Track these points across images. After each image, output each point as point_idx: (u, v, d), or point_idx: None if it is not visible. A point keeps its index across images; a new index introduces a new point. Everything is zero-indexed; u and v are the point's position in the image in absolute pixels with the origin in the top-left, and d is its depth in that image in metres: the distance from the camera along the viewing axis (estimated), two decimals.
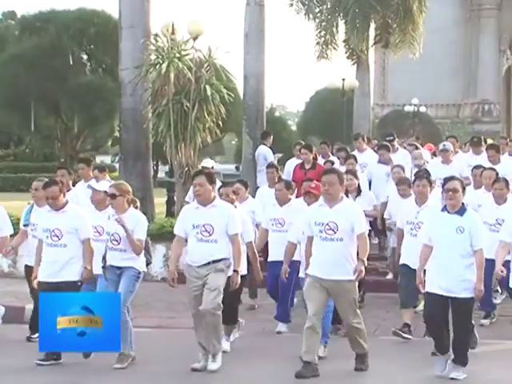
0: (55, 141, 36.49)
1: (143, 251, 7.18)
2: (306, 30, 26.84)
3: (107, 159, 54.58)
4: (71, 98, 31.91)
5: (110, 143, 45.34)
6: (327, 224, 6.87)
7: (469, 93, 53.46)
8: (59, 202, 7.09)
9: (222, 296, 6.82)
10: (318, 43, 25.67)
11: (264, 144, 14.57)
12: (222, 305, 6.80)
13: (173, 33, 14.24)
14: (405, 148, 13.73)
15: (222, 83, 14.34)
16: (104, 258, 7.13)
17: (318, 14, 25.81)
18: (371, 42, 25.65)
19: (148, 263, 7.57)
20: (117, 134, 28.61)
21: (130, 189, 7.37)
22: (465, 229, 6.66)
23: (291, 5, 25.95)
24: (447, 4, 50.05)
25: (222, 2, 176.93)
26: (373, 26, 25.07)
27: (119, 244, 7.01)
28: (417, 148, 12.96)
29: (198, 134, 13.66)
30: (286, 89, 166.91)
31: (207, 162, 12.76)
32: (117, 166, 28.00)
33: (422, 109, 45.79)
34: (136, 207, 7.34)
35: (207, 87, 13.38)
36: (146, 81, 13.82)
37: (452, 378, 6.61)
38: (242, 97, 18.41)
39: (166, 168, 31.25)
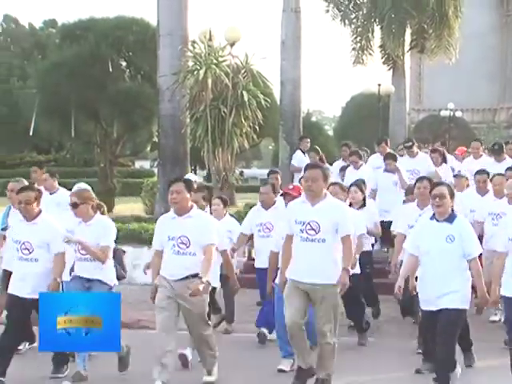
0: (95, 146, 36.75)
1: (113, 262, 6.85)
2: (342, 35, 26.72)
3: (146, 164, 55.09)
4: (110, 104, 32.06)
5: (148, 148, 45.60)
6: (309, 223, 6.28)
7: (505, 98, 52.87)
8: (31, 211, 6.57)
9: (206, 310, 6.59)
10: (353, 49, 25.52)
11: (300, 149, 14.46)
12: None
13: (210, 39, 14.36)
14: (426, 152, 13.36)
15: (259, 89, 14.43)
16: (72, 270, 6.79)
17: (354, 20, 25.67)
18: (407, 47, 25.43)
19: (121, 277, 7.09)
20: (155, 139, 28.78)
21: (93, 195, 7.02)
22: (455, 237, 6.06)
23: (327, 11, 25.84)
24: (483, 9, 49.55)
25: (258, 8, 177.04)
26: (408, 31, 24.86)
27: (87, 254, 6.64)
28: (442, 155, 12.60)
29: (235, 139, 13.75)
30: (322, 94, 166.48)
31: (190, 176, 11.64)
32: (155, 171, 28.21)
33: (458, 113, 45.19)
34: (102, 212, 6.94)
35: (244, 93, 13.50)
36: (183, 87, 13.99)
37: None
38: (278, 102, 18.46)
39: (204, 173, 31.37)
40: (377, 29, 25.20)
